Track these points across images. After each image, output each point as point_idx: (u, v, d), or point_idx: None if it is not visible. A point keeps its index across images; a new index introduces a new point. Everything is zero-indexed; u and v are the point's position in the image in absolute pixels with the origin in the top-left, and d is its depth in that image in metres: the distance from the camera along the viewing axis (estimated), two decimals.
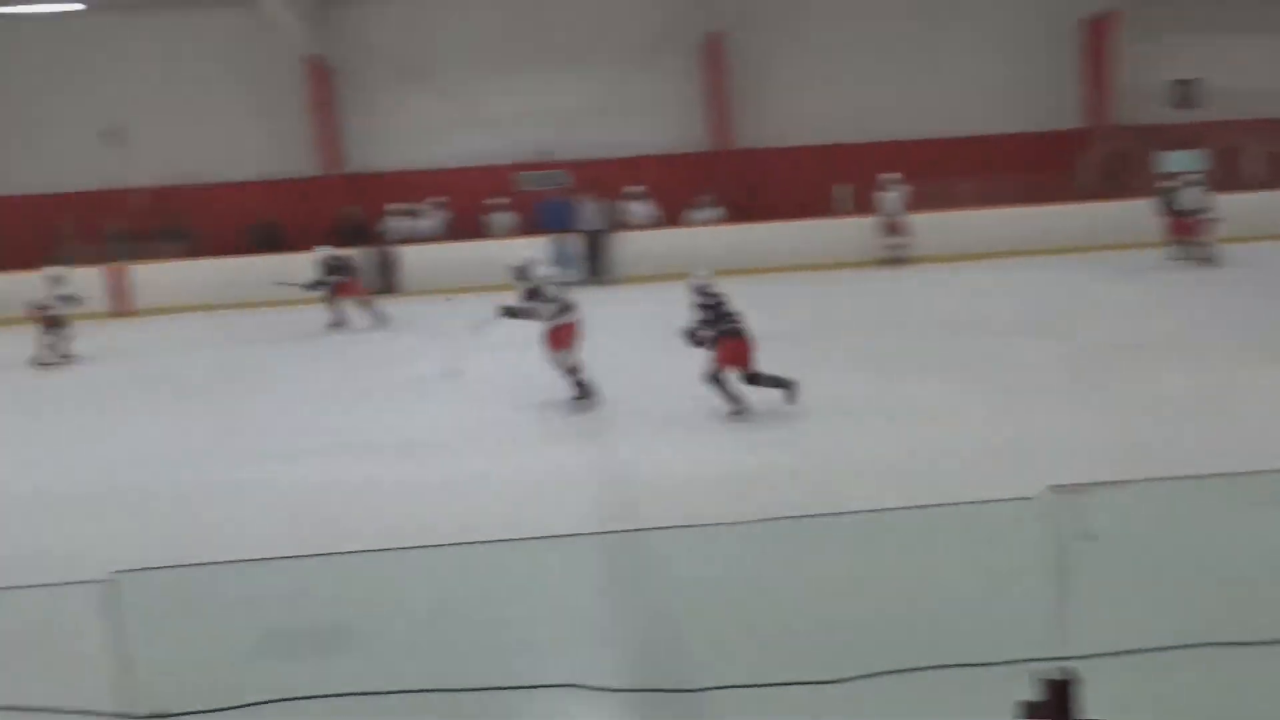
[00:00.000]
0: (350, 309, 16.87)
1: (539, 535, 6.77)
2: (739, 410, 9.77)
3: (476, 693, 4.96)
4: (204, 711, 4.87)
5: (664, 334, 10.57)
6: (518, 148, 23.03)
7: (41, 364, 14.87)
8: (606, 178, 22.07)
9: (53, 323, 15.16)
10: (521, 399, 10.34)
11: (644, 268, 20.08)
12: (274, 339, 16.00)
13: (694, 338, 10.03)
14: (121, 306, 20.48)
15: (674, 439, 9.09)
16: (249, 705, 4.88)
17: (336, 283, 16.98)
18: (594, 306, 10.84)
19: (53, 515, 8.25)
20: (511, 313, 10.74)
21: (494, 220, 22.32)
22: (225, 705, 4.87)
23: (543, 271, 11.02)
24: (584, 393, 10.62)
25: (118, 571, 5.00)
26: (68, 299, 15.38)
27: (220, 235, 21.78)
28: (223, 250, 21.06)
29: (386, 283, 20.39)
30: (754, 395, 9.58)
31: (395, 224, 22.04)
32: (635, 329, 10.94)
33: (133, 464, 9.53)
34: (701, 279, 10.23)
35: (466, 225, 22.32)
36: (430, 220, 22.28)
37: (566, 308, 10.72)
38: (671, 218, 21.99)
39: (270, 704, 4.90)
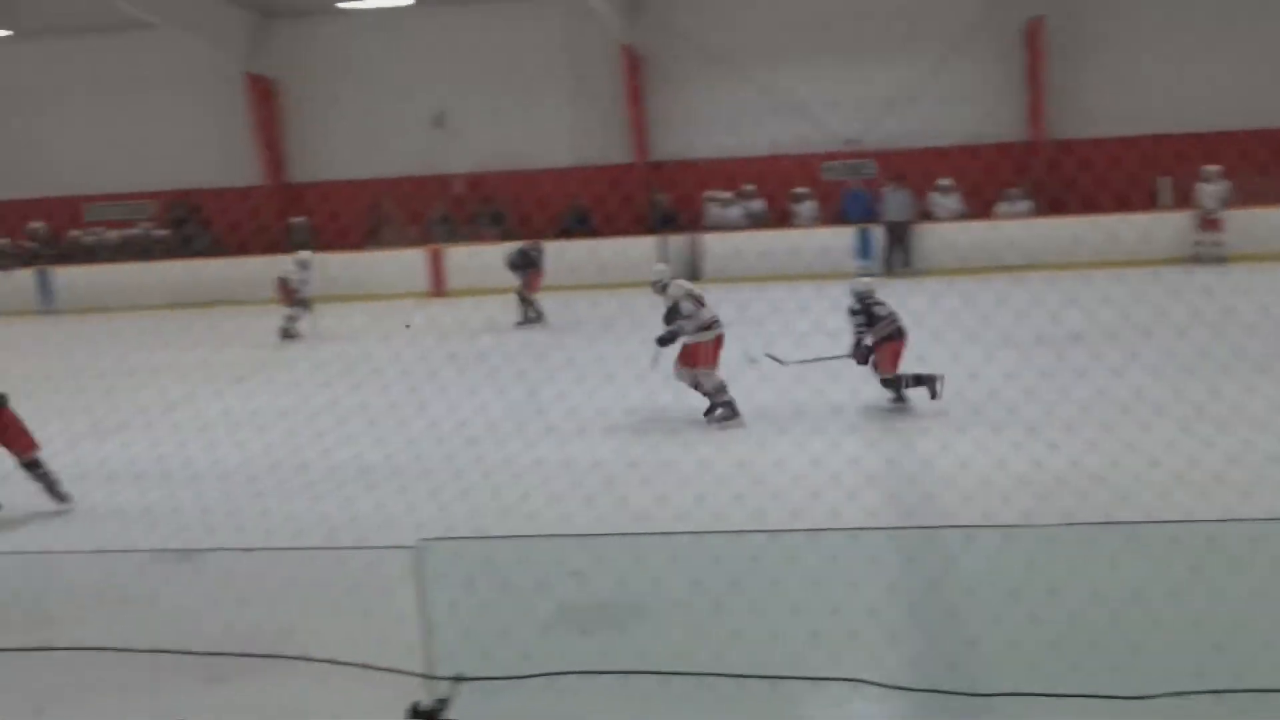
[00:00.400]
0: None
1: (832, 527, 6.71)
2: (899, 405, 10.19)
3: (763, 680, 4.95)
4: (500, 678, 5.04)
5: (967, 329, 10.28)
6: (824, 136, 22.86)
7: (287, 336, 16.32)
8: (913, 167, 21.64)
9: (298, 301, 16.74)
10: (820, 388, 10.26)
11: (948, 261, 19.59)
12: (579, 321, 16.43)
13: (862, 353, 10.31)
14: (438, 287, 21.48)
15: (975, 435, 8.82)
16: (543, 675, 5.02)
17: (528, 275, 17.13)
18: (894, 299, 10.64)
19: (367, 484, 8.72)
20: (664, 342, 10.49)
21: (799, 210, 22.25)
22: (520, 674, 5.02)
23: (676, 286, 10.66)
24: (729, 413, 10.20)
25: (425, 539, 5.24)
26: (305, 283, 16.90)
27: (534, 220, 22.51)
28: (536, 235, 21.75)
29: (693, 270, 20.62)
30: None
31: (714, 211, 22.26)
32: (937, 323, 10.71)
33: (441, 438, 9.98)
34: (864, 285, 10.54)
35: (772, 214, 22.35)
36: (739, 208, 22.39)
37: (709, 324, 10.43)
38: (979, 210, 21.37)
39: (564, 675, 5.02)
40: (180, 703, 5.35)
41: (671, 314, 10.47)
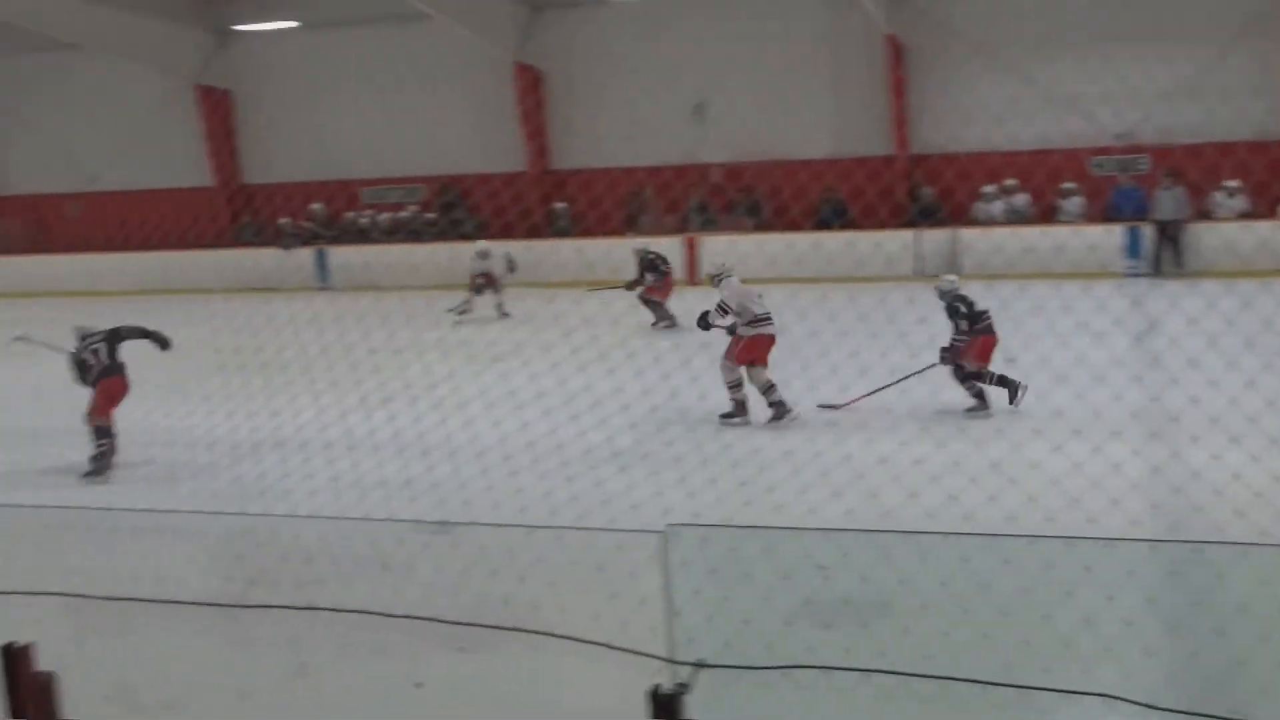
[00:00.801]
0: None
1: (1090, 535, 6.45)
2: (982, 409, 10.51)
3: (1011, 689, 4.80)
4: (740, 667, 5.03)
5: (1246, 334, 9.71)
6: (1094, 130, 21.95)
7: (459, 313, 18.36)
8: (1191, 163, 20.55)
9: (480, 288, 18.69)
10: (1084, 389, 9.87)
11: (1227, 262, 18.54)
12: (834, 314, 16.26)
13: (950, 354, 10.57)
14: (691, 276, 21.64)
15: (1251, 447, 8.33)
16: (783, 667, 4.99)
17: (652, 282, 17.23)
18: (1165, 300, 10.14)
19: (619, 467, 8.87)
20: (705, 324, 10.89)
21: (1065, 205, 21.47)
22: (761, 664, 5.01)
23: (734, 283, 10.96)
24: (780, 412, 10.38)
25: (672, 525, 5.29)
26: (486, 274, 18.72)
27: (790, 211, 22.41)
28: (792, 226, 21.65)
29: (952, 265, 20.14)
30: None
31: (978, 206, 21.73)
32: (1213, 327, 10.14)
33: (688, 425, 10.05)
34: (950, 283, 10.85)
35: (1036, 210, 21.64)
36: (1001, 203, 21.76)
37: (760, 319, 10.73)
38: (1264, 209, 20.14)
39: (804, 669, 4.98)
40: (430, 668, 5.55)
41: (724, 308, 10.84)
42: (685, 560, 5.16)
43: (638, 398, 10.72)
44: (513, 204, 24.29)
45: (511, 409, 10.58)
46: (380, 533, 6.86)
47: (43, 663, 3.82)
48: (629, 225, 23.53)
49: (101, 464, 9.93)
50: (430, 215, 25.40)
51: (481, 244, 19.27)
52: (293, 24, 25.81)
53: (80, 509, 7.63)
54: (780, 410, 10.44)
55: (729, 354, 10.74)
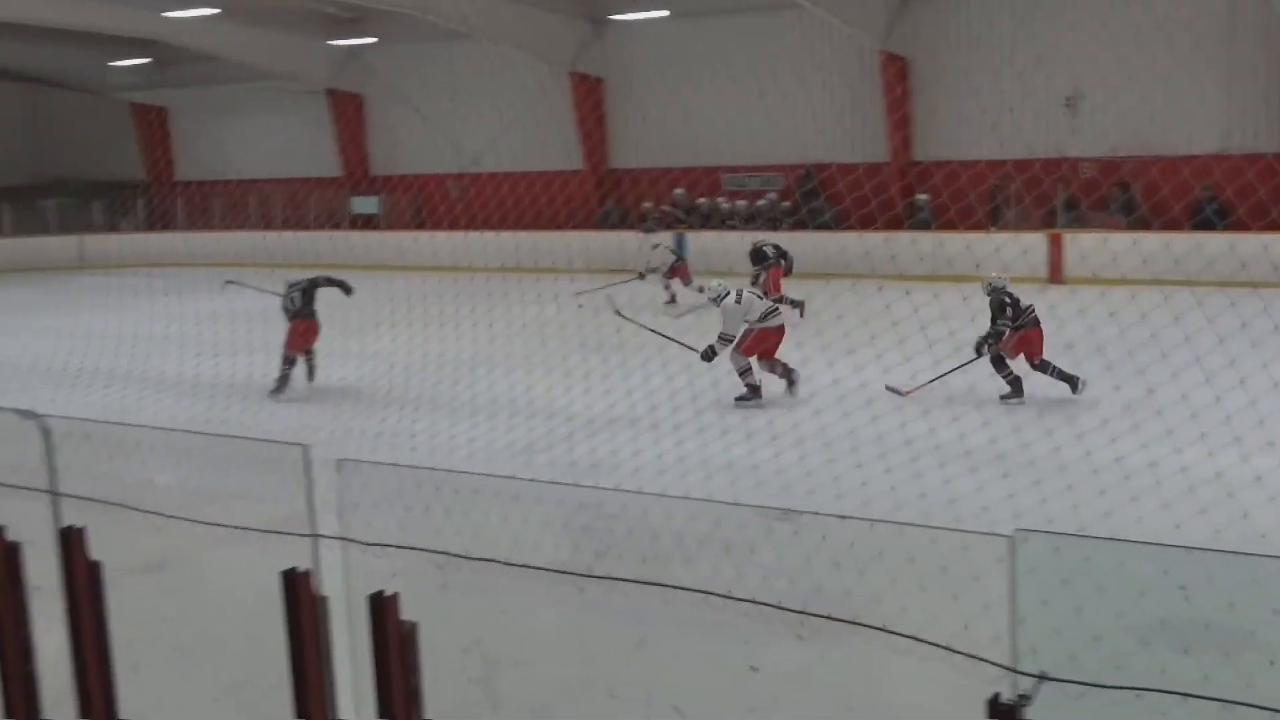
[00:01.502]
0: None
1: None
2: (1016, 396, 11.45)
3: None
4: (1085, 684, 4.81)
5: None
6: None
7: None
8: None
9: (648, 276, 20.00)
10: None
11: None
12: (1215, 317, 15.26)
13: (988, 346, 11.54)
14: (1055, 274, 20.80)
15: None
16: (1134, 689, 4.73)
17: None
18: None
19: (969, 466, 8.64)
20: (709, 357, 12.09)
21: None
22: (1109, 683, 4.77)
23: (729, 305, 12.16)
24: (750, 395, 11.86)
25: (1022, 530, 5.09)
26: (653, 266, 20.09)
27: (1169, 208, 21.17)
28: (1171, 226, 20.44)
29: None
30: None
31: None
32: None
33: (1046, 428, 9.66)
34: (1000, 280, 11.92)
35: None
36: None
37: (766, 314, 12.20)
38: None
39: (1157, 693, 4.71)
40: (767, 653, 5.58)
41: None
42: (1033, 567, 4.96)
43: (993, 397, 10.42)
44: (873, 194, 24.04)
45: (862, 401, 10.49)
46: (725, 515, 6.94)
47: (405, 613, 4.08)
48: (991, 220, 22.83)
49: (282, 384, 13.22)
50: (787, 204, 25.48)
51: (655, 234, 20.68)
52: (664, 13, 26.42)
53: (448, 472, 8.10)
54: (752, 394, 11.91)
55: (737, 347, 12.03)
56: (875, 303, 17.95)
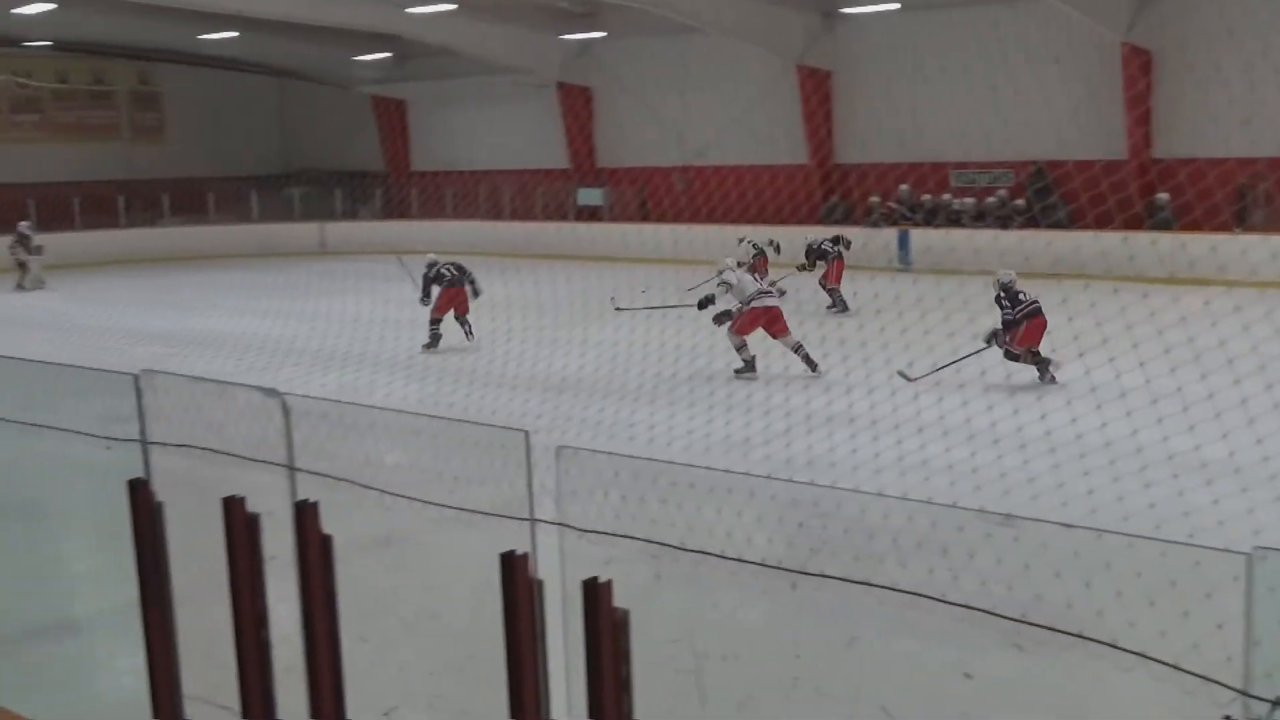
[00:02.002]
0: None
1: None
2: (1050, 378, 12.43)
3: None
4: None
5: None
6: None
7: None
8: None
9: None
10: None
11: None
12: None
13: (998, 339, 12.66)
14: None
15: None
16: None
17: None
18: None
19: (1205, 479, 8.25)
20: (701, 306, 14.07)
21: None
22: None
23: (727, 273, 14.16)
24: (744, 369, 13.21)
25: (1261, 548, 4.84)
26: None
27: None
28: None
29: None
30: None
31: None
32: None
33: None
34: (1009, 276, 13.12)
35: None
36: None
37: (758, 295, 13.55)
38: None
39: None
40: (982, 661, 5.45)
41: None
42: (1273, 587, 4.71)
43: (1234, 406, 9.91)
44: (1110, 192, 23.16)
45: (1092, 406, 10.14)
46: (942, 517, 6.79)
47: (617, 601, 4.12)
48: (1237, 221, 21.71)
49: (432, 345, 15.87)
50: (1018, 203, 24.78)
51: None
52: (895, 6, 26.01)
53: (665, 463, 8.16)
54: (746, 369, 13.22)
55: (732, 327, 13.45)
56: (1110, 305, 17.31)
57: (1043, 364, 12.68)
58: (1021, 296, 12.96)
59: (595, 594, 3.97)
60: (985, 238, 23.32)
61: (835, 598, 6.14)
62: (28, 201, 30.14)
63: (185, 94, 36.98)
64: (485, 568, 4.42)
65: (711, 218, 26.85)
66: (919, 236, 24.66)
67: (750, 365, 13.32)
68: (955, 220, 25.26)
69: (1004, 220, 24.40)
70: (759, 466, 9.08)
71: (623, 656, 3.97)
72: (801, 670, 5.58)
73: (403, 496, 6.05)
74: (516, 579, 4.12)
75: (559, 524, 4.85)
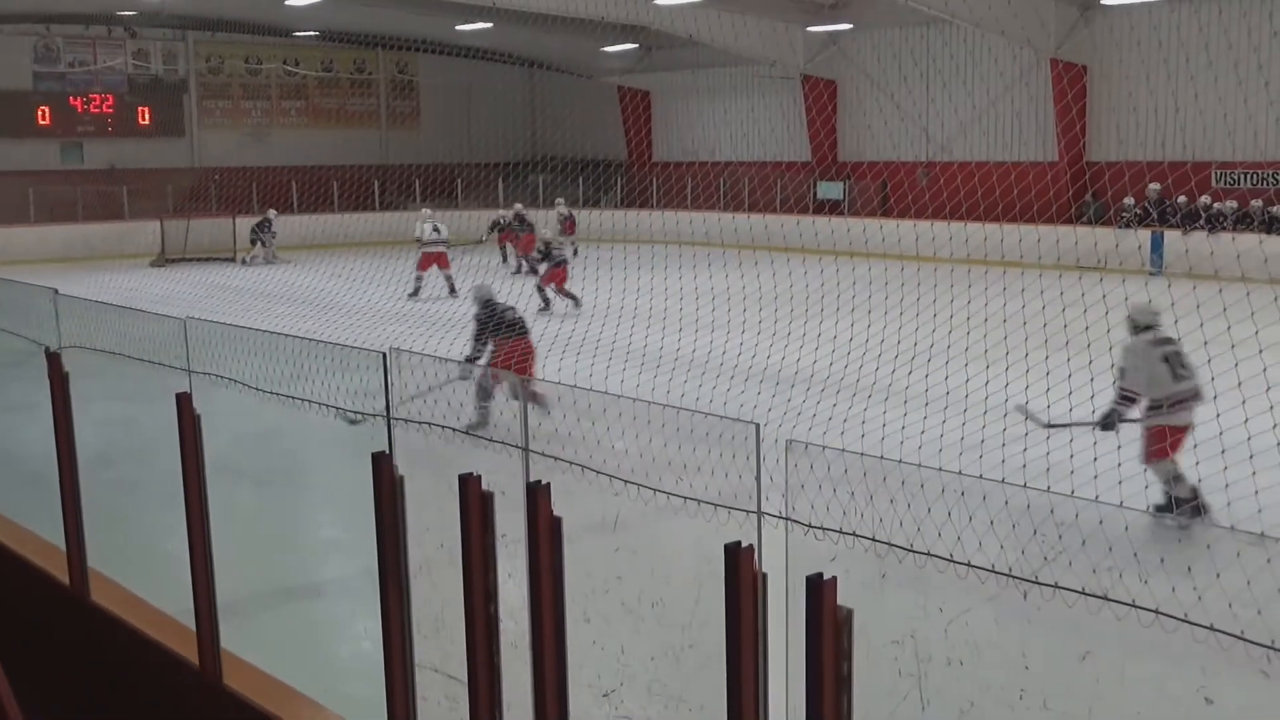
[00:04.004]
0: None
1: None
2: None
3: None
4: None
5: None
6: None
7: None
8: None
9: None
10: None
11: None
12: None
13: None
14: None
15: None
16: None
17: None
18: None
19: None
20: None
21: None
22: None
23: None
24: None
25: None
26: None
27: None
28: None
29: None
30: None
31: None
32: None
33: None
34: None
35: None
36: None
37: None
38: None
39: None
40: (1225, 686, 5.19)
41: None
42: None
43: None
44: None
45: None
46: (1190, 533, 6.51)
47: (841, 599, 4.08)
48: None
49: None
50: (1278, 209, 23.44)
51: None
52: None
53: (896, 462, 8.05)
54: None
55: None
56: None
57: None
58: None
59: (819, 591, 3.94)
60: (1247, 241, 22.16)
61: (1069, 610, 5.94)
62: (290, 183, 31.83)
63: (439, 83, 38.34)
64: (709, 558, 4.44)
65: (955, 214, 26.30)
66: (1172, 239, 23.60)
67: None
68: (1217, 223, 24.06)
69: (1268, 224, 23.13)
70: (992, 471, 8.84)
71: (844, 655, 3.93)
72: (1029, 682, 5.42)
73: (632, 483, 6.14)
74: (740, 571, 4.12)
75: (785, 518, 4.83)
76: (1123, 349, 9.86)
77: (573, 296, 20.20)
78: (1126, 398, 9.71)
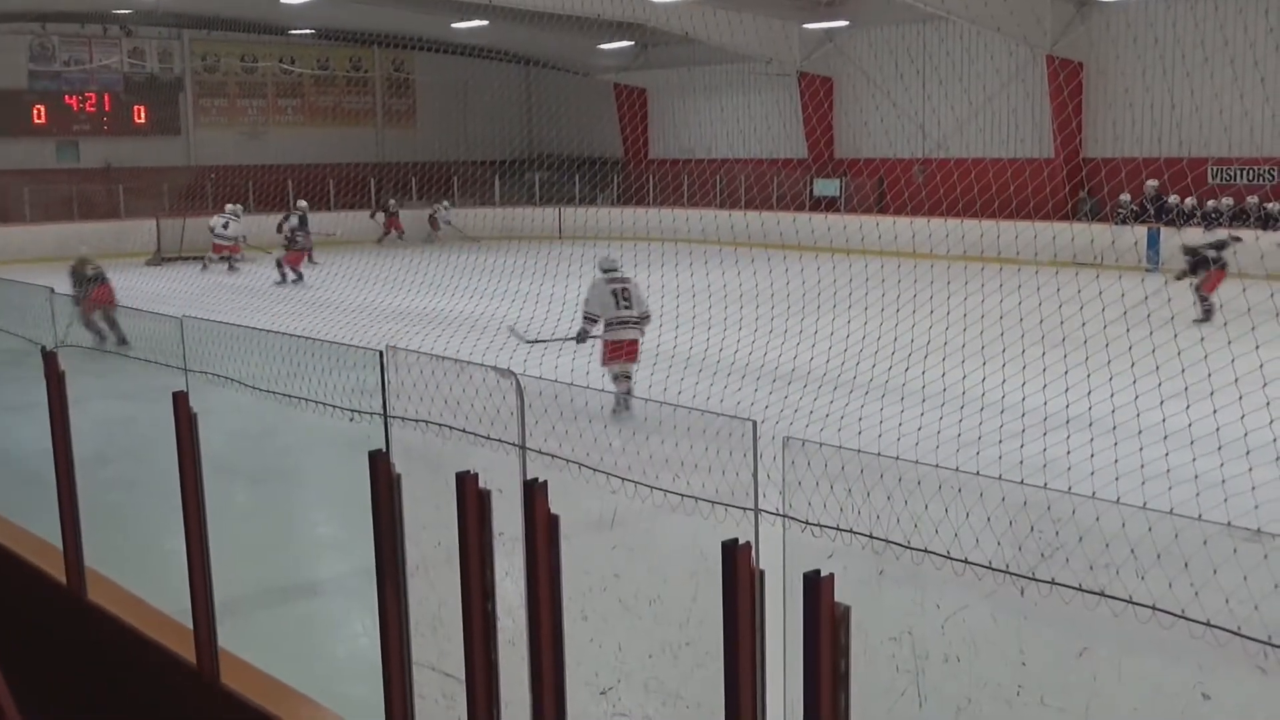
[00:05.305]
0: None
1: None
2: None
3: None
4: None
5: None
6: None
7: None
8: None
9: None
10: None
11: None
12: None
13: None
14: None
15: None
16: None
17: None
18: None
19: None
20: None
21: None
22: None
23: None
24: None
25: None
26: None
27: None
28: None
29: None
30: None
31: None
32: None
33: None
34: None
35: None
36: None
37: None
38: None
39: None
40: (1221, 682, 5.19)
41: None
42: None
43: None
44: None
45: None
46: (1185, 530, 6.51)
47: (838, 595, 4.08)
48: None
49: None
50: (1273, 205, 23.44)
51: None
52: None
53: (893, 459, 8.05)
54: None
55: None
56: None
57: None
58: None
59: (816, 587, 3.95)
60: (1245, 238, 22.18)
61: (1066, 606, 5.94)
62: (287, 182, 31.82)
63: (435, 81, 38.33)
64: (706, 555, 4.43)
65: (951, 211, 26.30)
66: (1167, 235, 23.64)
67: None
68: (1213, 219, 24.08)
69: (1264, 221, 23.16)
70: (990, 467, 8.85)
71: (841, 652, 3.93)
72: (1026, 678, 5.43)
73: (629, 480, 6.14)
74: (738, 568, 4.13)
75: (782, 515, 4.83)
76: (590, 284, 13.05)
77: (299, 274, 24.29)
78: (589, 318, 12.96)
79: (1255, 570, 6.29)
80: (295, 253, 26.27)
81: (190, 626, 5.24)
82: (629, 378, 12.78)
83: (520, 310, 16.86)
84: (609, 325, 12.67)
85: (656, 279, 18.08)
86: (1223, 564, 6.32)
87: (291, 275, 25.94)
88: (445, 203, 33.88)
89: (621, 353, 12.50)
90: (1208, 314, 17.75)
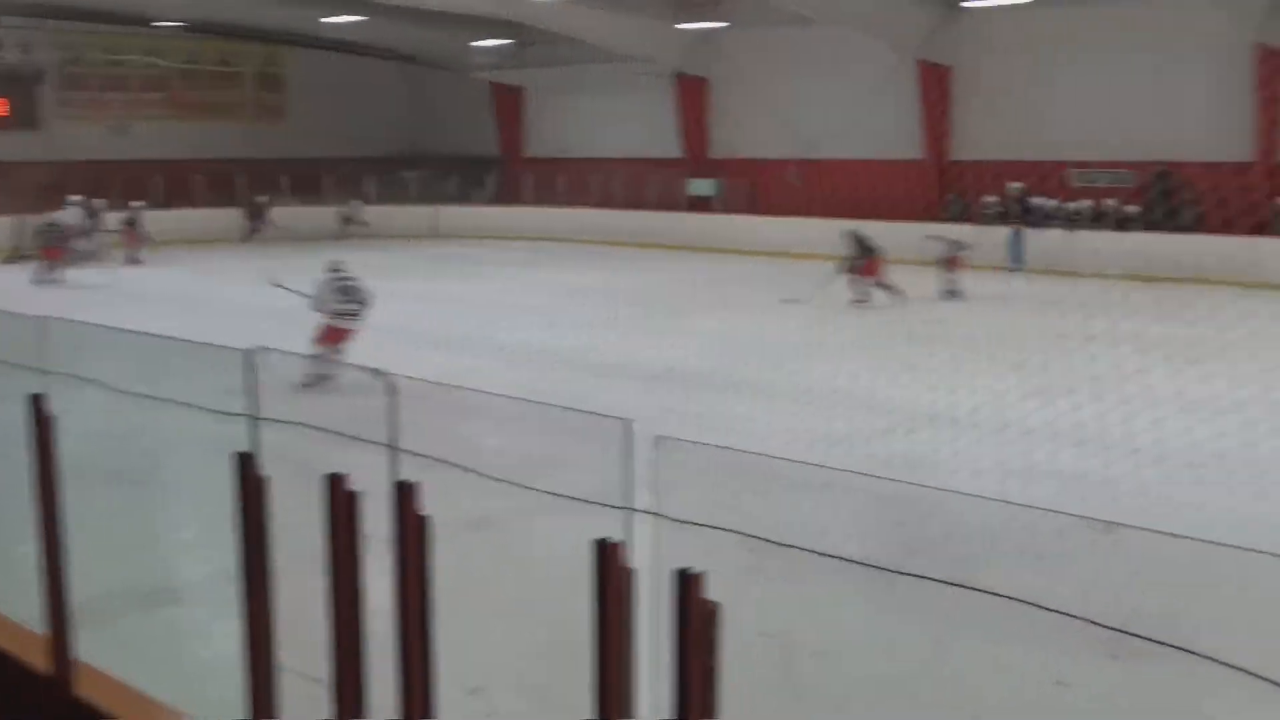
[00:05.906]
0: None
1: None
2: None
3: None
4: None
5: None
6: None
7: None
8: None
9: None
10: None
11: None
12: None
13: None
14: None
15: None
16: None
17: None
18: None
19: None
20: None
21: None
22: None
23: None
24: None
25: None
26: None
27: None
28: None
29: None
30: None
31: None
32: None
33: None
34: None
35: None
36: None
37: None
38: None
39: None
40: (1076, 669, 5.35)
41: None
42: None
43: None
44: (1236, 197, 22.53)
45: (1209, 414, 9.88)
46: (1043, 523, 6.69)
47: (712, 593, 4.11)
48: None
49: None
50: (1132, 208, 24.18)
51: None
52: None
53: (765, 457, 8.13)
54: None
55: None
56: (1230, 311, 16.90)
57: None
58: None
59: (687, 585, 3.96)
60: (1105, 239, 22.85)
61: (934, 599, 6.07)
62: (154, 178, 31.03)
63: (309, 77, 37.67)
64: (579, 554, 4.44)
65: (825, 211, 26.65)
66: (1033, 236, 24.25)
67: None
68: (1073, 221, 24.76)
69: (1121, 223, 23.87)
70: (859, 465, 8.99)
71: (710, 647, 3.96)
72: (895, 671, 5.53)
73: (502, 480, 6.11)
74: (609, 567, 4.13)
75: (655, 514, 4.85)
76: (319, 283, 13.65)
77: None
78: (319, 309, 13.53)
79: (1110, 562, 6.49)
80: (53, 249, 25.05)
81: (42, 633, 5.08)
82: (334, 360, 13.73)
83: (391, 309, 16.68)
84: (335, 315, 13.60)
85: (531, 278, 18.03)
86: (1079, 556, 6.52)
87: (51, 273, 24.41)
88: (356, 201, 33.42)
89: (340, 338, 13.34)
90: (869, 297, 17.88)
